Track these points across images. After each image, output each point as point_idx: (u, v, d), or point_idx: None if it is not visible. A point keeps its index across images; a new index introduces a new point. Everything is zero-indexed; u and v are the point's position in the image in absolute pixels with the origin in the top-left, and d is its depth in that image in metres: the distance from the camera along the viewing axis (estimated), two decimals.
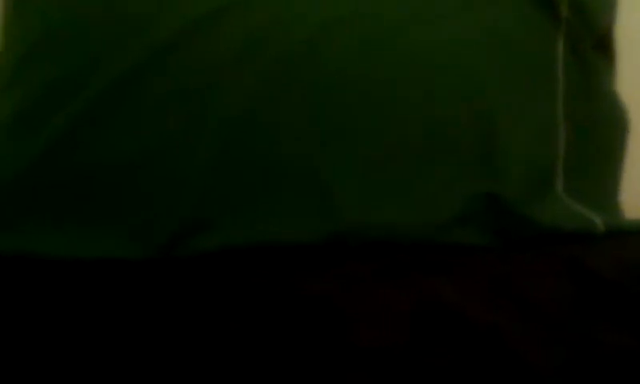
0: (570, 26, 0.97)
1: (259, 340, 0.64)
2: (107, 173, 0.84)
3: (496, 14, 0.94)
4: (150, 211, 0.83)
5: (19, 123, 0.88)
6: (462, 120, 0.88)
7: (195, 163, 0.83)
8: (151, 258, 0.80)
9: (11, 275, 0.77)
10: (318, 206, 0.83)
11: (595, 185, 0.97)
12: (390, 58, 0.88)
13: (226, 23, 0.86)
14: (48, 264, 0.79)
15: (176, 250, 0.82)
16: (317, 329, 0.66)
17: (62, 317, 0.68)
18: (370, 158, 0.85)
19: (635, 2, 1.08)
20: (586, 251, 0.83)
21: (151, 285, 0.75)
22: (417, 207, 0.85)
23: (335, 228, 0.83)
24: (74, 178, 0.84)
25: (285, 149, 0.84)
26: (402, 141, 0.86)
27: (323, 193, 0.84)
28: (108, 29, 0.87)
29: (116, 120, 0.85)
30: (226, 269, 0.78)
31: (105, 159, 0.84)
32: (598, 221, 0.91)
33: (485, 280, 0.77)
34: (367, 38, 0.88)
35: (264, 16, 0.87)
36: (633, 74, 1.06)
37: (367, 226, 0.84)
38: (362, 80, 0.86)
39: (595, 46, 1.00)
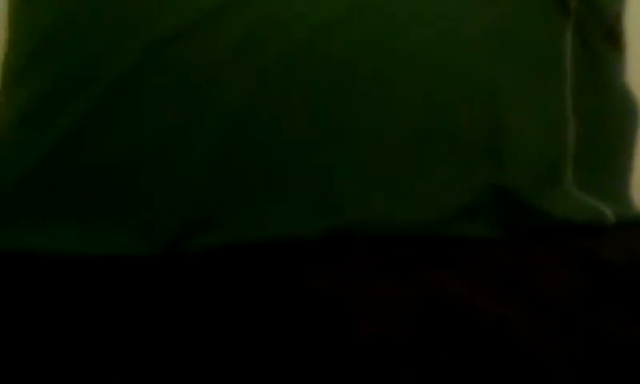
0: (578, 17, 0.96)
1: (262, 335, 0.64)
2: (111, 171, 0.84)
3: (504, 6, 0.93)
4: (153, 209, 0.83)
5: (25, 122, 0.88)
6: (467, 113, 0.88)
7: (196, 160, 0.83)
8: (155, 255, 0.80)
9: (17, 272, 0.77)
10: (319, 202, 0.83)
11: (605, 176, 0.96)
12: (392, 52, 0.87)
13: (226, 20, 0.86)
14: (53, 262, 0.79)
15: (179, 248, 0.81)
16: (319, 323, 0.66)
17: (68, 314, 0.69)
18: (373, 153, 0.85)
19: None
20: (597, 243, 0.82)
21: (155, 282, 0.75)
22: (421, 202, 0.85)
23: (337, 223, 0.83)
24: (79, 177, 0.84)
25: (285, 145, 0.84)
26: (405, 136, 0.86)
27: (325, 188, 0.83)
28: (109, 26, 0.87)
29: (119, 118, 0.85)
30: (229, 265, 0.78)
31: (108, 157, 0.84)
32: (609, 212, 0.90)
33: (493, 272, 0.76)
34: (368, 35, 0.87)
35: (264, 14, 0.87)
36: None
37: (370, 221, 0.84)
38: (363, 76, 0.86)
39: (604, 36, 0.99)
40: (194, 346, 0.63)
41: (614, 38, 1.01)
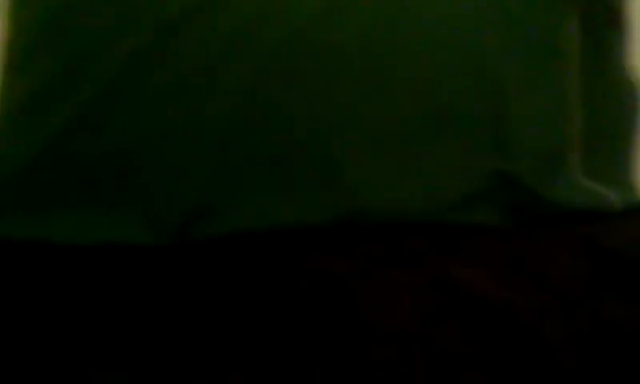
0: (583, 1, 0.96)
1: (267, 323, 0.64)
2: (112, 159, 0.83)
3: None
4: (156, 197, 0.82)
5: (26, 112, 0.88)
6: (472, 98, 0.87)
7: (199, 148, 0.83)
8: (159, 243, 0.80)
9: (18, 261, 0.78)
10: (327, 188, 0.83)
11: (610, 162, 0.96)
12: (396, 39, 0.87)
13: (231, 4, 0.86)
14: (55, 250, 0.79)
15: (183, 236, 0.81)
16: (328, 310, 0.66)
17: (69, 304, 0.69)
18: (379, 138, 0.85)
19: None
20: (602, 229, 0.82)
21: (159, 270, 0.75)
22: (427, 188, 0.85)
23: (343, 211, 0.82)
24: (81, 166, 0.84)
25: (292, 131, 0.83)
26: (410, 123, 0.85)
27: (330, 176, 0.83)
28: (110, 15, 0.87)
29: (120, 107, 0.84)
30: (234, 253, 0.78)
31: (109, 146, 0.84)
32: (614, 198, 0.90)
33: (499, 259, 0.76)
34: (372, 21, 0.87)
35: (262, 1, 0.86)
36: None
37: (377, 208, 0.83)
38: (367, 63, 0.85)
39: (609, 21, 0.99)
40: (197, 333, 0.63)
41: (618, 22, 1.01)
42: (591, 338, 0.61)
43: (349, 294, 0.68)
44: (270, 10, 0.86)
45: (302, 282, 0.71)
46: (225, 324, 0.64)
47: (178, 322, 0.65)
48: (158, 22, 0.85)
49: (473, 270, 0.73)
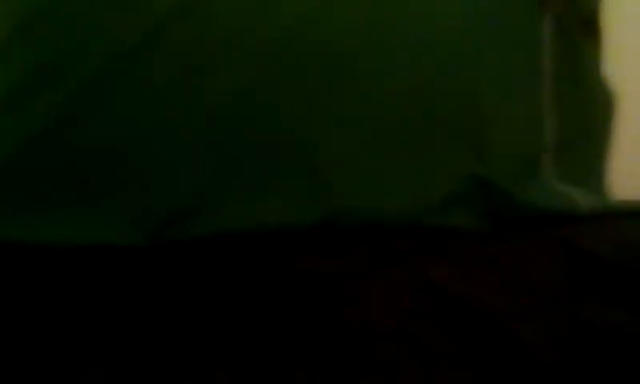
0: (556, 8, 0.97)
1: (250, 322, 0.64)
2: (98, 159, 0.83)
3: None
4: (140, 196, 0.82)
5: (8, 107, 0.86)
6: (450, 103, 0.89)
7: (187, 148, 0.83)
8: (146, 243, 0.80)
9: (6, 261, 0.77)
10: (311, 189, 0.83)
11: (582, 166, 0.98)
12: (375, 43, 0.88)
13: (218, 5, 0.86)
14: (41, 250, 0.78)
15: (167, 236, 0.81)
16: (312, 309, 0.66)
17: (53, 306, 0.68)
18: (358, 143, 0.85)
19: None
20: (577, 232, 0.83)
21: (143, 270, 0.75)
22: (405, 191, 0.86)
23: (329, 211, 0.83)
24: (65, 165, 0.83)
25: (277, 132, 0.84)
26: (388, 126, 0.86)
27: (317, 176, 0.84)
28: (99, 7, 0.86)
29: (106, 104, 0.84)
30: (217, 253, 0.78)
31: (92, 145, 0.83)
32: (585, 202, 0.92)
33: (477, 261, 0.77)
34: (352, 25, 0.87)
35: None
36: (620, 57, 1.06)
37: (357, 209, 0.84)
38: (347, 67, 0.86)
39: (582, 28, 1.01)
40: (182, 333, 0.63)
41: (591, 29, 1.03)
42: (570, 340, 0.62)
43: (333, 294, 0.69)
44: (257, 12, 0.86)
45: (286, 282, 0.71)
46: (209, 324, 0.64)
47: (163, 322, 0.65)
48: (145, 21, 0.85)
49: (454, 272, 0.73)
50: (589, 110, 0.99)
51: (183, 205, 0.82)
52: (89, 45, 0.85)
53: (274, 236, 0.80)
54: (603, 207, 0.94)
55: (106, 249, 0.78)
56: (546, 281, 0.72)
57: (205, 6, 0.85)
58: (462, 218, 0.87)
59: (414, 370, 0.59)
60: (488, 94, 0.91)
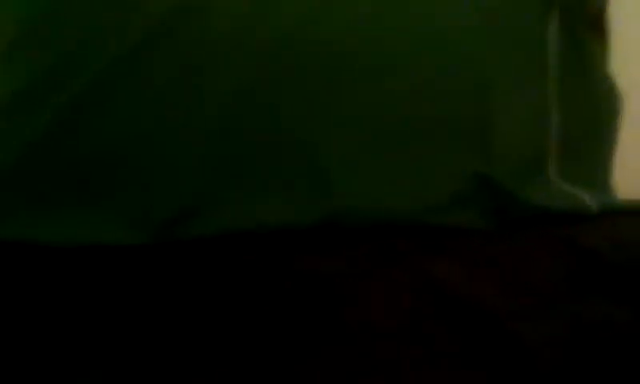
0: (563, 5, 0.97)
1: (252, 322, 0.64)
2: (100, 159, 0.83)
3: None
4: (143, 196, 0.82)
5: (12, 110, 0.86)
6: (455, 101, 0.89)
7: (189, 148, 0.83)
8: (148, 242, 0.80)
9: (9, 261, 0.77)
10: (314, 189, 0.83)
11: (588, 165, 0.98)
12: (381, 41, 0.87)
13: (219, 6, 0.86)
14: (44, 250, 0.78)
15: (171, 235, 0.81)
16: (313, 309, 0.66)
17: (56, 305, 0.68)
18: (365, 140, 0.85)
19: None
20: (580, 231, 0.83)
21: (146, 270, 0.75)
22: (409, 190, 0.86)
23: (331, 210, 0.83)
24: (68, 166, 0.83)
25: (279, 132, 0.84)
26: (393, 124, 0.86)
27: (319, 175, 0.84)
28: (103, 9, 0.86)
29: (108, 106, 0.84)
30: (219, 253, 0.78)
31: (96, 146, 0.83)
32: (591, 201, 0.91)
33: (480, 260, 0.77)
34: (356, 23, 0.87)
35: None
36: (626, 55, 1.06)
37: (358, 209, 0.84)
38: (351, 65, 0.86)
39: (589, 26, 1.00)
40: (183, 333, 0.63)
41: (598, 27, 1.02)
42: (571, 340, 0.62)
43: (333, 294, 0.69)
44: (257, 12, 0.86)
45: (287, 282, 0.71)
46: (209, 324, 0.64)
47: (163, 322, 0.65)
48: (146, 22, 0.85)
49: (456, 271, 0.73)
50: (594, 109, 0.99)
51: (184, 205, 0.82)
52: (90, 47, 0.85)
53: (275, 236, 0.80)
54: (609, 206, 0.93)
55: (106, 249, 0.79)
56: (547, 280, 0.72)
57: (205, 6, 0.85)
58: (466, 217, 0.87)
59: (414, 370, 0.59)
60: (492, 92, 0.91)
